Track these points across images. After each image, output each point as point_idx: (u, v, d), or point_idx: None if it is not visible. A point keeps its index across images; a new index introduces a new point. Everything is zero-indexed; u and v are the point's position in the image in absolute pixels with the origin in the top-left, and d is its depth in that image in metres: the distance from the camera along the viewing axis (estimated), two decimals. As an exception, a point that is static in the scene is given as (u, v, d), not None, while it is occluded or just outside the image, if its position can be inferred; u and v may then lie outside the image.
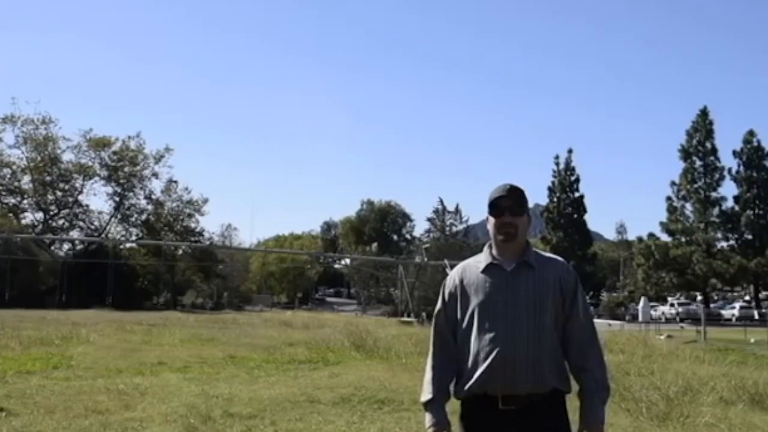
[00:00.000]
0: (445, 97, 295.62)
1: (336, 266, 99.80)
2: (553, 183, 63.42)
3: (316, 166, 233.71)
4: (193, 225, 59.42)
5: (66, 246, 55.45)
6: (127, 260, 51.83)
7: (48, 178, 53.45)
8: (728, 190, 66.80)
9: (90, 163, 54.85)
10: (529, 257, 2.62)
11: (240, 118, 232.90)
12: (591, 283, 59.19)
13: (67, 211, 55.78)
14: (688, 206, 55.87)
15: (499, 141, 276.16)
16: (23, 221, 53.48)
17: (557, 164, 63.46)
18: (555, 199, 62.87)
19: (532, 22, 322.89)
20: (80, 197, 55.82)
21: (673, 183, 56.22)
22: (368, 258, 68.79)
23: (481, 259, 2.66)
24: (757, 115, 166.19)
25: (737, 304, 52.82)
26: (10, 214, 51.31)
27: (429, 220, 65.88)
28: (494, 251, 2.65)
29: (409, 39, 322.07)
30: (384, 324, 26.67)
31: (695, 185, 55.02)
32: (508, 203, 2.60)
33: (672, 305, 53.00)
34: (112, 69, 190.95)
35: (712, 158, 55.15)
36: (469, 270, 2.68)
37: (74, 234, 55.83)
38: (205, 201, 58.48)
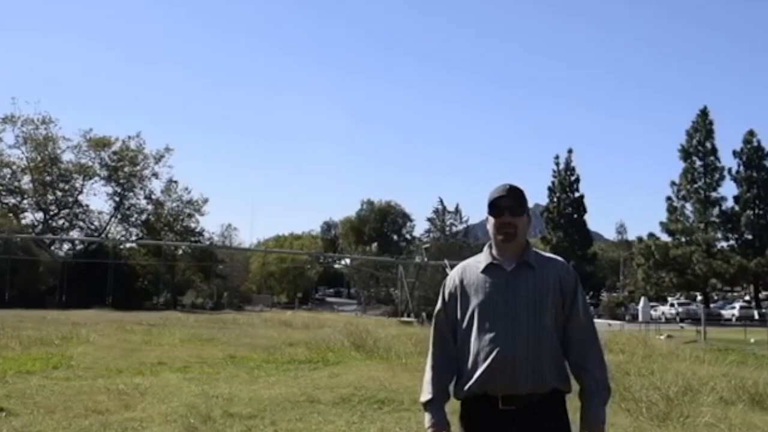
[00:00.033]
0: (445, 97, 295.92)
1: (336, 266, 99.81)
2: (553, 183, 63.44)
3: (316, 166, 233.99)
4: (193, 225, 59.49)
5: (66, 246, 55.50)
6: (127, 260, 51.84)
7: (48, 178, 53.46)
8: (728, 190, 66.89)
9: (90, 163, 54.94)
10: (529, 257, 2.61)
11: (240, 118, 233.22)
12: (591, 283, 59.19)
13: (67, 211, 55.79)
14: (688, 206, 55.90)
15: (499, 141, 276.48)
16: (23, 221, 53.49)
17: (557, 164, 63.55)
18: (555, 199, 62.86)
19: (532, 22, 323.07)
20: (80, 197, 55.95)
21: (673, 183, 56.26)
22: (368, 258, 68.80)
23: (481, 259, 2.66)
24: (757, 115, 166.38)
25: (737, 304, 52.81)
26: (10, 214, 51.31)
27: (429, 220, 65.99)
28: (494, 251, 2.64)
29: (409, 39, 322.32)
30: (384, 324, 26.67)
31: (695, 185, 55.02)
32: (508, 203, 2.60)
33: (672, 305, 52.99)
34: (112, 69, 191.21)
35: (712, 158, 55.16)
36: (469, 270, 2.68)
37: (74, 234, 55.89)
38: (205, 201, 58.59)
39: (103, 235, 54.73)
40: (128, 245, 56.60)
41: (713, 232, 55.21)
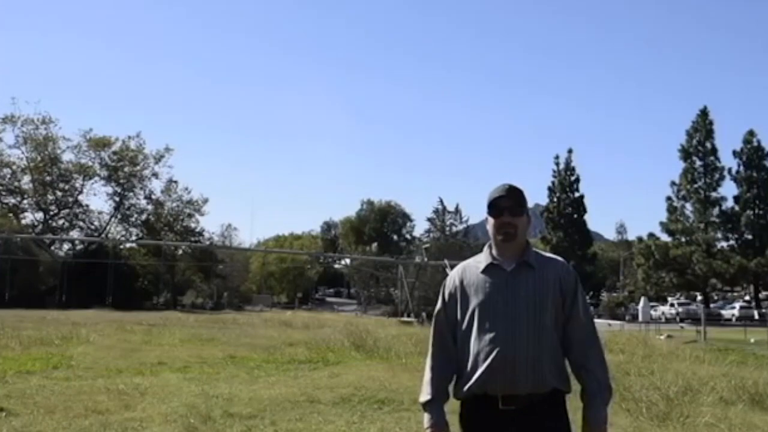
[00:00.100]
0: (445, 97, 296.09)
1: (336, 266, 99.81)
2: (553, 183, 63.44)
3: (316, 166, 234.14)
4: (193, 225, 59.50)
5: (66, 246, 55.51)
6: (127, 260, 51.84)
7: (48, 178, 53.46)
8: (728, 190, 66.87)
9: (90, 163, 54.95)
10: (529, 257, 2.61)
11: (240, 118, 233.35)
12: (591, 283, 59.18)
13: (67, 211, 55.79)
14: (688, 206, 55.90)
15: (499, 141, 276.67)
16: (23, 221, 53.49)
17: (557, 164, 63.56)
18: (555, 199, 62.86)
19: (532, 22, 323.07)
20: (80, 197, 55.95)
21: (673, 183, 56.26)
22: (368, 258, 68.80)
23: (481, 260, 2.66)
24: (757, 115, 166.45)
25: (737, 304, 52.80)
26: (10, 214, 51.31)
27: (429, 220, 66.00)
28: (494, 251, 2.64)
29: (409, 39, 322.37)
30: (384, 324, 26.67)
31: (695, 185, 55.02)
32: (508, 203, 2.60)
33: (672, 305, 52.99)
34: (112, 69, 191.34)
35: (712, 158, 55.17)
36: (469, 270, 2.68)
37: (74, 234, 55.90)
38: (205, 201, 58.60)
39: (103, 235, 54.73)
40: (128, 245, 56.60)
41: (713, 232, 55.22)
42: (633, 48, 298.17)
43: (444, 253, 45.73)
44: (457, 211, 64.09)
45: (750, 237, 54.93)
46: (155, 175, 56.62)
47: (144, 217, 57.75)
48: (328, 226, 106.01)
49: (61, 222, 56.46)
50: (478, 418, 2.56)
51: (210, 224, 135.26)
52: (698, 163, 55.30)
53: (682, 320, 44.42)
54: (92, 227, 56.82)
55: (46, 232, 53.55)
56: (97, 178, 55.18)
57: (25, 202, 55.10)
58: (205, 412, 6.88)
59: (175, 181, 57.35)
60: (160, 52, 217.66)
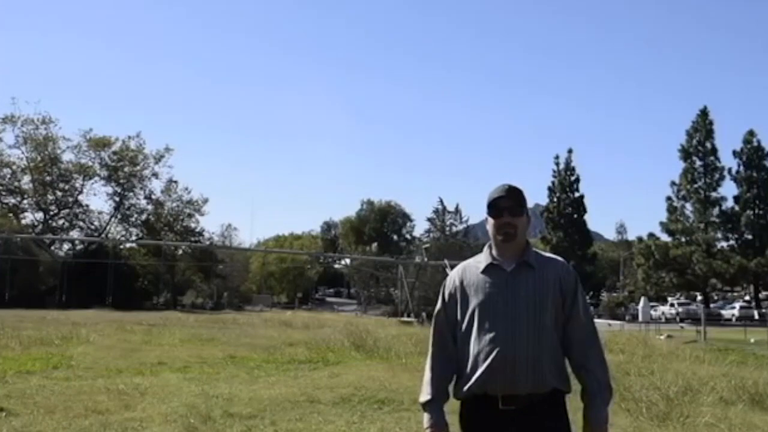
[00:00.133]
0: (445, 97, 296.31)
1: (336, 266, 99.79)
2: (553, 183, 63.43)
3: (316, 166, 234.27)
4: (193, 225, 59.49)
5: (66, 246, 55.49)
6: (127, 260, 51.82)
7: (48, 178, 53.45)
8: (728, 190, 66.88)
9: (90, 163, 54.93)
10: (529, 257, 2.61)
11: (240, 118, 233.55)
12: (591, 283, 59.17)
13: (67, 211, 55.78)
14: (688, 206, 55.89)
15: (499, 141, 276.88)
16: (23, 221, 53.48)
17: (557, 164, 63.55)
18: (555, 199, 62.85)
19: (532, 22, 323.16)
20: (80, 197, 55.94)
21: (673, 183, 56.26)
22: (368, 258, 68.79)
23: (481, 260, 2.66)
24: (757, 115, 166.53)
25: (737, 304, 52.80)
26: (10, 214, 51.30)
27: (429, 220, 65.98)
28: (494, 251, 2.64)
29: (409, 39, 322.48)
30: (384, 324, 26.67)
31: (695, 185, 55.01)
32: (507, 203, 2.60)
33: (672, 305, 52.99)
34: (112, 69, 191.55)
35: (712, 158, 55.16)
36: (469, 270, 2.68)
37: (74, 234, 55.88)
38: (205, 201, 58.59)
39: (103, 235, 54.72)
40: (128, 245, 56.59)
41: (713, 232, 55.21)
42: (633, 48, 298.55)
43: (444, 253, 45.73)
44: (457, 211, 64.13)
45: (750, 237, 54.92)
46: (155, 175, 56.72)
47: (144, 217, 57.75)
48: (328, 226, 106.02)
49: (61, 222, 56.47)
50: (478, 418, 2.56)
51: (210, 224, 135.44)
52: (698, 163, 55.30)
53: (682, 320, 44.42)
54: (92, 227, 56.84)
55: (46, 232, 53.54)
56: (97, 178, 55.25)
57: (25, 202, 55.14)
58: (205, 412, 6.88)
59: (175, 181, 57.45)
60: (160, 52, 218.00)
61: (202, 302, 58.97)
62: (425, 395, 2.64)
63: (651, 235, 56.79)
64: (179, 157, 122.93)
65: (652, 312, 46.03)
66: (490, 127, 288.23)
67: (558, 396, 2.56)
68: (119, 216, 56.93)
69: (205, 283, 62.13)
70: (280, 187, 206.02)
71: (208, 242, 60.77)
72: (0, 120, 51.40)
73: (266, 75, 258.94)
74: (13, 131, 52.32)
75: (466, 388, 2.56)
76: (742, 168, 55.46)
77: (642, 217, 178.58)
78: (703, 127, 55.20)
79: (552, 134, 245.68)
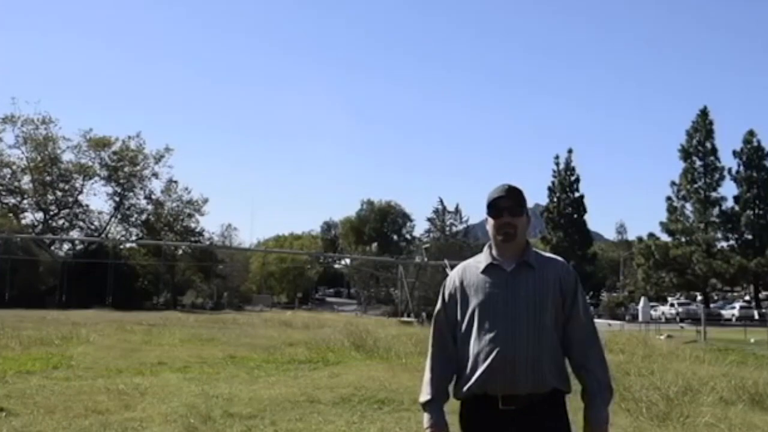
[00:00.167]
0: (445, 97, 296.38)
1: (336, 266, 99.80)
2: (553, 183, 63.43)
3: (316, 166, 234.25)
4: (193, 225, 59.49)
5: (66, 246, 55.49)
6: (127, 260, 51.83)
7: (48, 178, 53.45)
8: (728, 190, 66.90)
9: (90, 163, 54.94)
10: (529, 257, 2.61)
11: (240, 118, 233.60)
12: (591, 283, 59.18)
13: (67, 211, 55.78)
14: (688, 206, 55.89)
15: (499, 141, 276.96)
16: (23, 221, 53.48)
17: (557, 164, 63.55)
18: (555, 199, 62.86)
19: (532, 22, 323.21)
20: (80, 197, 55.95)
21: (673, 183, 56.26)
22: (368, 258, 68.80)
23: (481, 260, 2.66)
24: (757, 115, 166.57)
25: (737, 304, 52.80)
26: (10, 214, 51.30)
27: (429, 220, 65.98)
28: (494, 252, 2.64)
29: (409, 39, 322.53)
30: (384, 324, 26.67)
31: (695, 185, 55.01)
32: (507, 203, 2.60)
33: (672, 305, 52.99)
34: (112, 69, 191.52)
35: (712, 158, 55.16)
36: (469, 270, 2.68)
37: (74, 234, 55.88)
38: (205, 201, 58.60)
39: (103, 235, 54.72)
40: (128, 245, 56.60)
41: (713, 232, 55.21)
42: (633, 48, 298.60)
43: (444, 253, 45.72)
44: (457, 211, 64.13)
45: (750, 237, 54.92)
46: (155, 175, 56.73)
47: (144, 217, 57.75)
48: (328, 226, 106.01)
49: (61, 222, 56.47)
50: (478, 418, 2.56)
51: (210, 224, 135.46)
52: (698, 163, 55.30)
53: (682, 320, 44.42)
54: (92, 227, 56.85)
55: (46, 232, 53.54)
56: (97, 178, 55.26)
57: (25, 202, 55.14)
58: (205, 412, 6.88)
59: (175, 181, 57.45)
60: (160, 52, 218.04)
61: (202, 302, 58.96)
62: (425, 395, 2.64)
63: (651, 235, 56.80)
64: (179, 157, 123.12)
65: (652, 312, 46.03)
66: (490, 127, 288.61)
67: (558, 396, 2.56)
68: (119, 216, 56.96)
69: (205, 283, 62.13)
70: (280, 187, 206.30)
71: (208, 242, 60.78)
72: (0, 120, 51.45)
73: (266, 75, 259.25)
74: (13, 131, 52.45)
75: (466, 388, 2.56)
76: (742, 168, 55.48)
77: (642, 217, 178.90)
78: (703, 127, 55.20)
79: (552, 134, 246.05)
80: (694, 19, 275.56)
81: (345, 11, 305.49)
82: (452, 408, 2.65)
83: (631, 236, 76.14)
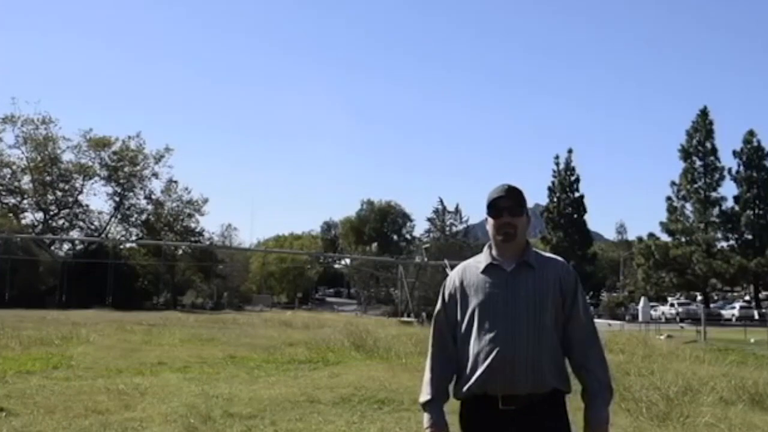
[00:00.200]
0: (445, 97, 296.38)
1: (336, 266, 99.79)
2: (553, 183, 63.44)
3: (316, 166, 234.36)
4: (193, 225, 59.49)
5: (66, 246, 55.49)
6: (127, 260, 51.83)
7: (48, 178, 53.44)
8: (728, 190, 66.89)
9: (90, 163, 54.94)
10: (529, 257, 2.61)
11: (240, 118, 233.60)
12: (591, 283, 59.17)
13: (67, 211, 55.78)
14: (688, 206, 55.90)
15: (499, 141, 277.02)
16: (23, 221, 53.48)
17: (557, 164, 63.57)
18: (555, 199, 62.86)
19: (532, 22, 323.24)
20: (80, 197, 55.95)
21: (673, 183, 56.27)
22: (368, 258, 68.80)
23: (481, 260, 2.66)
24: (757, 115, 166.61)
25: (737, 304, 52.80)
26: (10, 214, 51.30)
27: (429, 220, 65.99)
28: (494, 252, 2.64)
29: (409, 39, 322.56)
30: (384, 324, 26.67)
31: (695, 185, 55.01)
32: (507, 204, 2.60)
33: (672, 305, 52.99)
34: (112, 69, 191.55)
35: (712, 158, 55.17)
36: (469, 270, 2.68)
37: (74, 234, 55.88)
38: (205, 201, 58.60)
39: (103, 235, 54.72)
40: (128, 245, 56.59)
41: (713, 232, 55.21)
42: (633, 48, 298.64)
43: (444, 253, 45.72)
44: (457, 211, 64.13)
45: (750, 237, 54.92)
46: (155, 175, 56.73)
47: (144, 217, 57.75)
48: (328, 226, 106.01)
49: (61, 222, 56.47)
50: (478, 418, 2.56)
51: (210, 224, 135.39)
52: (698, 163, 55.30)
53: (682, 320, 44.41)
54: (92, 227, 56.85)
55: (46, 232, 53.54)
56: (97, 178, 55.26)
57: (25, 202, 55.14)
58: (205, 412, 6.88)
59: (175, 181, 57.46)
60: (160, 52, 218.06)
61: (202, 302, 58.97)
62: (425, 395, 2.64)
63: (651, 235, 56.80)
64: (179, 157, 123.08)
65: (652, 312, 46.03)
66: (490, 127, 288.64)
67: (558, 396, 2.56)
68: (119, 216, 56.96)
69: (205, 283, 62.13)
70: (280, 187, 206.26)
71: (208, 242, 60.78)
72: (0, 120, 51.45)
73: (266, 75, 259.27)
74: (13, 131, 52.44)
75: (465, 388, 2.56)
76: (742, 168, 55.48)
77: (642, 217, 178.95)
78: (703, 127, 55.20)
79: (552, 134, 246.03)
80: (694, 19, 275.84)
81: (345, 11, 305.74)
82: (452, 408, 2.65)
83: (631, 236, 76.27)
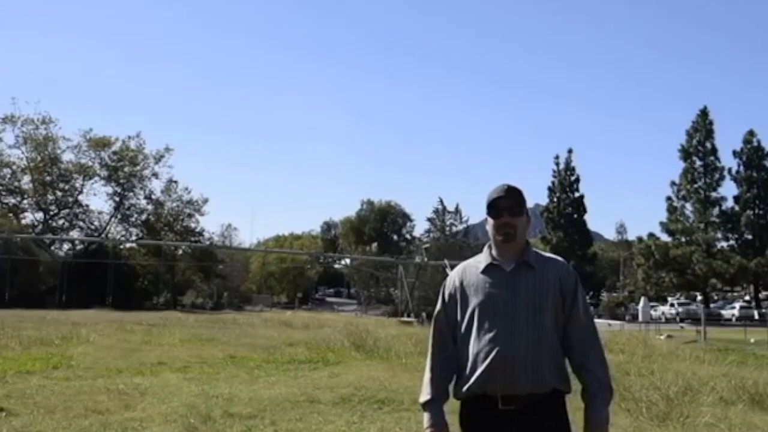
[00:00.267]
0: (445, 97, 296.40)
1: (336, 266, 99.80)
2: (553, 183, 63.44)
3: (316, 166, 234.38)
4: (193, 225, 59.49)
5: (66, 246, 55.49)
6: (127, 260, 51.82)
7: (48, 178, 53.44)
8: (728, 190, 66.89)
9: (90, 163, 54.93)
10: (528, 257, 2.61)
11: (240, 118, 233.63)
12: (591, 283, 59.16)
13: (67, 211, 55.77)
14: (688, 206, 55.90)
15: (499, 141, 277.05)
16: (23, 221, 53.48)
17: (557, 164, 63.58)
18: (555, 199, 62.87)
19: (532, 22, 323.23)
20: (80, 197, 55.94)
21: (673, 183, 56.27)
22: (368, 258, 68.80)
23: (481, 260, 2.66)
24: (757, 115, 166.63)
25: (737, 304, 52.80)
26: (10, 214, 51.29)
27: (429, 220, 65.97)
28: (494, 252, 2.64)
29: (409, 39, 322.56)
30: (384, 324, 26.67)
31: (695, 185, 55.01)
32: (507, 204, 2.60)
33: (672, 305, 52.99)
34: (112, 69, 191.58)
35: (712, 158, 55.17)
36: (469, 271, 2.68)
37: (74, 234, 55.88)
38: (205, 201, 58.59)
39: (103, 235, 54.72)
40: (128, 245, 56.59)
41: (713, 232, 55.21)
42: (633, 48, 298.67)
43: (444, 253, 45.72)
44: (457, 211, 64.12)
45: (750, 237, 54.92)
46: (155, 175, 56.73)
47: (144, 217, 57.75)
48: (328, 226, 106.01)
49: (61, 222, 56.47)
50: (478, 418, 2.56)
51: (210, 224, 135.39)
52: (698, 163, 55.30)
53: (682, 320, 44.42)
54: (92, 227, 56.85)
55: (46, 232, 53.54)
56: (97, 178, 55.26)
57: (25, 202, 55.14)
58: (205, 412, 6.88)
59: (175, 181, 57.45)
60: (160, 52, 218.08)
61: (202, 302, 58.96)
62: (425, 395, 2.64)
63: (651, 235, 56.80)
64: (179, 157, 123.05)
65: (652, 312, 46.03)
66: (490, 127, 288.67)
67: (558, 396, 2.56)
68: (119, 216, 56.96)
69: (205, 283, 62.13)
70: (280, 187, 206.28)
71: (208, 242, 60.78)
72: (0, 120, 51.45)
73: (266, 75, 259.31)
74: (13, 131, 52.44)
75: (465, 388, 2.56)
76: (742, 168, 55.48)
77: (642, 217, 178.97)
78: (703, 127, 55.20)
79: (552, 134, 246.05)
80: (694, 19, 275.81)
81: (345, 11, 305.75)
82: (452, 408, 2.65)
83: (631, 236, 76.28)
